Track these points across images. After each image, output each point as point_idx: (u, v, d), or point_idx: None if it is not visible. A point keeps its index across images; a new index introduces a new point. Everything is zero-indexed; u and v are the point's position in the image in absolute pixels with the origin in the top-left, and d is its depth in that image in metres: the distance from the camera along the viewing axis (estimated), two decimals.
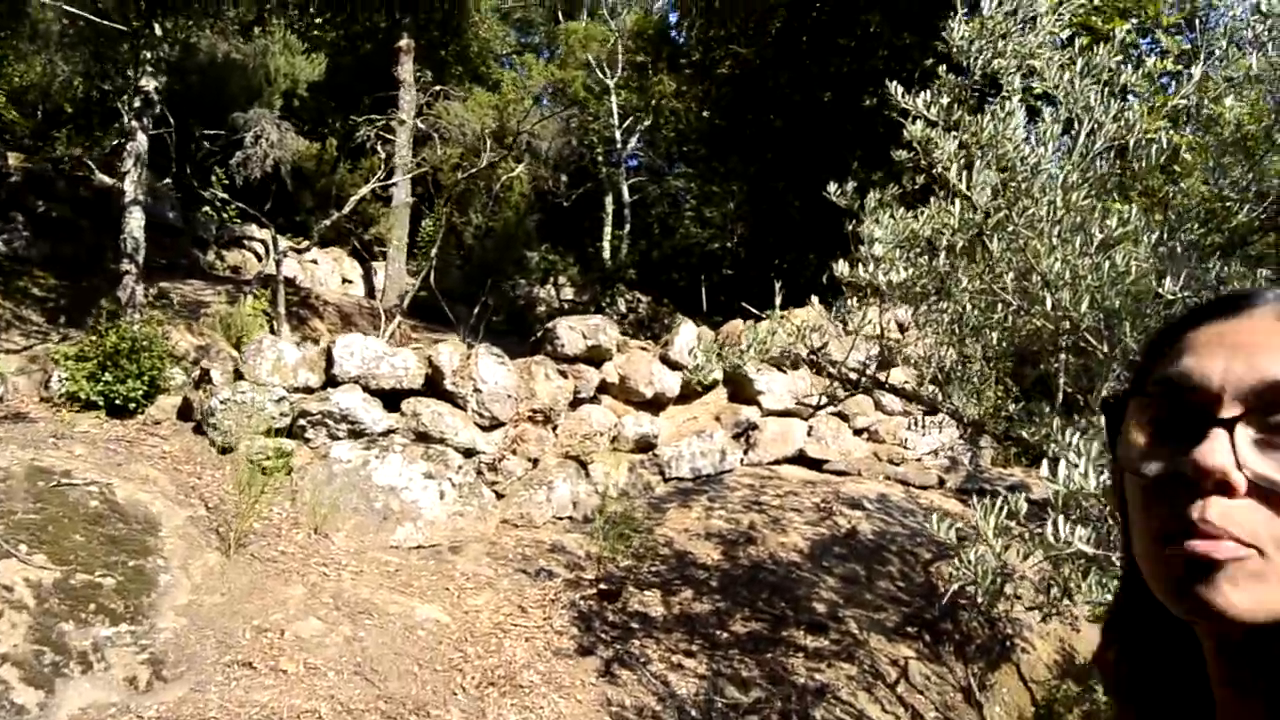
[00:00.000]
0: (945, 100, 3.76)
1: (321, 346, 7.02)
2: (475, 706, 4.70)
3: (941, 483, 9.25)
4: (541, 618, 5.69)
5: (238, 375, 6.73)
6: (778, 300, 5.29)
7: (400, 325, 13.50)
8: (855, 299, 4.51)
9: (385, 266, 16.23)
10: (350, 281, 16.82)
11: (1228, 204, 4.37)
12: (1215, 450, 0.64)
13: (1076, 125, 3.57)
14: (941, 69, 4.20)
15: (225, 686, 4.38)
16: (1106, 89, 3.72)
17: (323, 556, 5.77)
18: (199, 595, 5.02)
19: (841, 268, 4.22)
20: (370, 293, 16.60)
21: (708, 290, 17.81)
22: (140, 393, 6.84)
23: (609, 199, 20.96)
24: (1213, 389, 0.67)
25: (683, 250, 22.17)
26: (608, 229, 20.83)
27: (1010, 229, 3.40)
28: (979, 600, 2.98)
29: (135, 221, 7.98)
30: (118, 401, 6.76)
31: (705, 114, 17.44)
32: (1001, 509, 2.82)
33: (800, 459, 9.28)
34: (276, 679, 4.51)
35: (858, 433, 9.74)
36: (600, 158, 21.50)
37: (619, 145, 20.24)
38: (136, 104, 7.86)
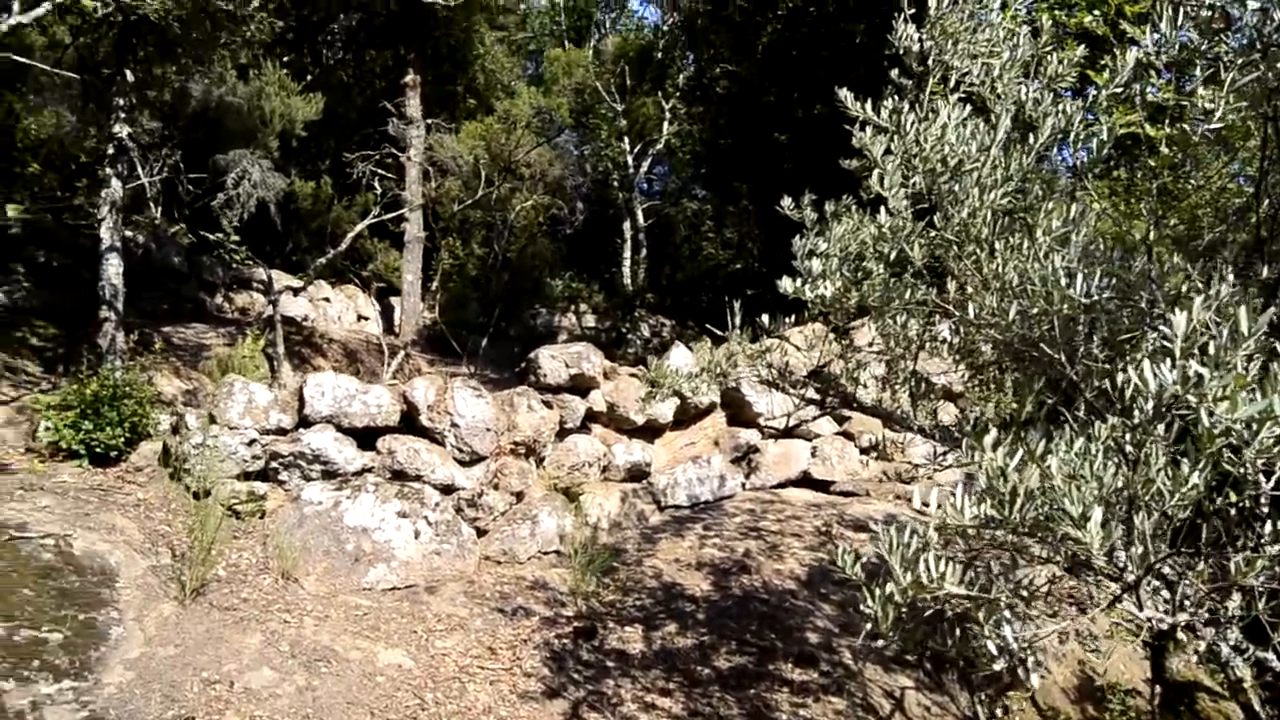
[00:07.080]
0: (892, 104, 3.51)
1: (293, 387, 6.91)
2: None
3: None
4: (511, 659, 5.49)
5: (212, 419, 6.64)
6: (736, 320, 5.10)
7: (410, 360, 13.46)
8: (793, 316, 4.26)
9: (401, 301, 16.25)
10: (366, 318, 16.83)
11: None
12: None
13: (1007, 120, 3.32)
14: (894, 72, 3.98)
15: None
16: (1047, 85, 3.49)
17: (286, 603, 5.62)
18: (151, 647, 4.89)
19: (785, 284, 4.01)
20: (389, 329, 16.61)
21: (733, 310, 17.49)
22: (121, 439, 6.77)
23: (626, 224, 20.80)
24: None
25: (707, 272, 21.91)
26: (626, 254, 20.65)
27: (933, 235, 3.17)
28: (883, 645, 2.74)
29: (113, 268, 7.96)
30: (98, 449, 6.70)
31: (708, 135, 17.21)
32: (911, 538, 2.57)
33: (805, 481, 8.98)
34: None
35: (865, 451, 9.40)
36: (616, 183, 21.37)
37: (631, 170, 20.08)
38: (110, 151, 7.86)
